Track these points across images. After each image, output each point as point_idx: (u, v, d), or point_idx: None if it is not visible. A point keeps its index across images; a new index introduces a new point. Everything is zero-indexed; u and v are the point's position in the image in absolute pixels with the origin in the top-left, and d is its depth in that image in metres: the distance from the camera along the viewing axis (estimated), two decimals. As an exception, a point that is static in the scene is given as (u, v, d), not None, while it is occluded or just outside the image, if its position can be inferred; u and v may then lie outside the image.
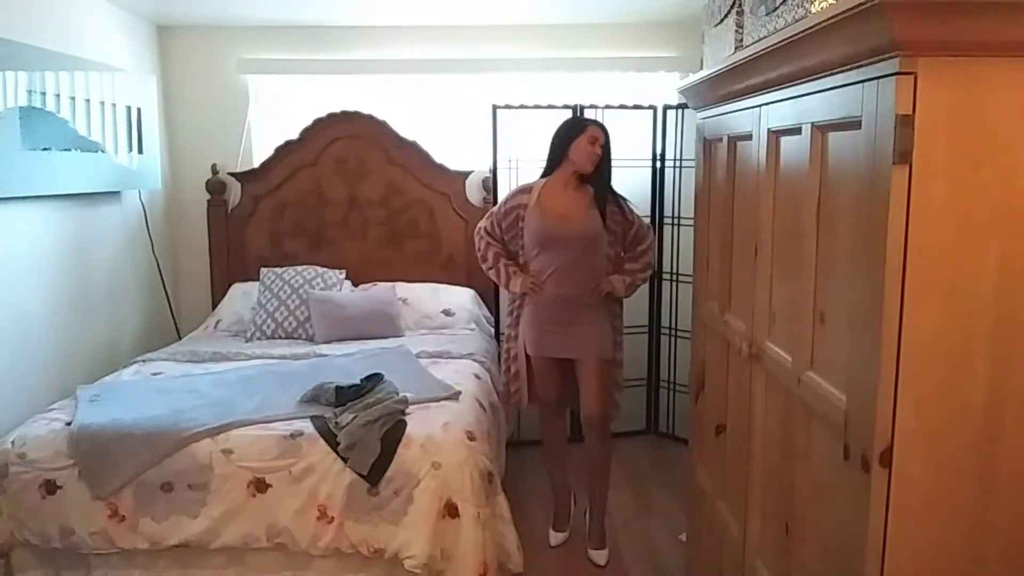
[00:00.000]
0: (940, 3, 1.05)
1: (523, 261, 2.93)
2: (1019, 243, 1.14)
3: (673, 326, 4.03)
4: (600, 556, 2.91)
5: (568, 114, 3.83)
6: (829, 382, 1.37)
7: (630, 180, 3.90)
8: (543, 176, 2.91)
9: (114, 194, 3.69)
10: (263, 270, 3.97)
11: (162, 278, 4.09)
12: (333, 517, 2.41)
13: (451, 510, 2.40)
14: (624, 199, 2.92)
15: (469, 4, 3.72)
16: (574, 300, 2.83)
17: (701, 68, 2.13)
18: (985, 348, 1.16)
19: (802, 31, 1.30)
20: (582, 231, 2.80)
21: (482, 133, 4.01)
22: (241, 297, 4.02)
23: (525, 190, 2.93)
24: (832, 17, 1.17)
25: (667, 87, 4.03)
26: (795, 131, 1.50)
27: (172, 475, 2.42)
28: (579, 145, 2.77)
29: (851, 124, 1.25)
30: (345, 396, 2.63)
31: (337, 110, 4.12)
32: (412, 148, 4.16)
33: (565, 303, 2.83)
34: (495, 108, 3.80)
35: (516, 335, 3.00)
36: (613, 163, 2.85)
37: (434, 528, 2.37)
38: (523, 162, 3.77)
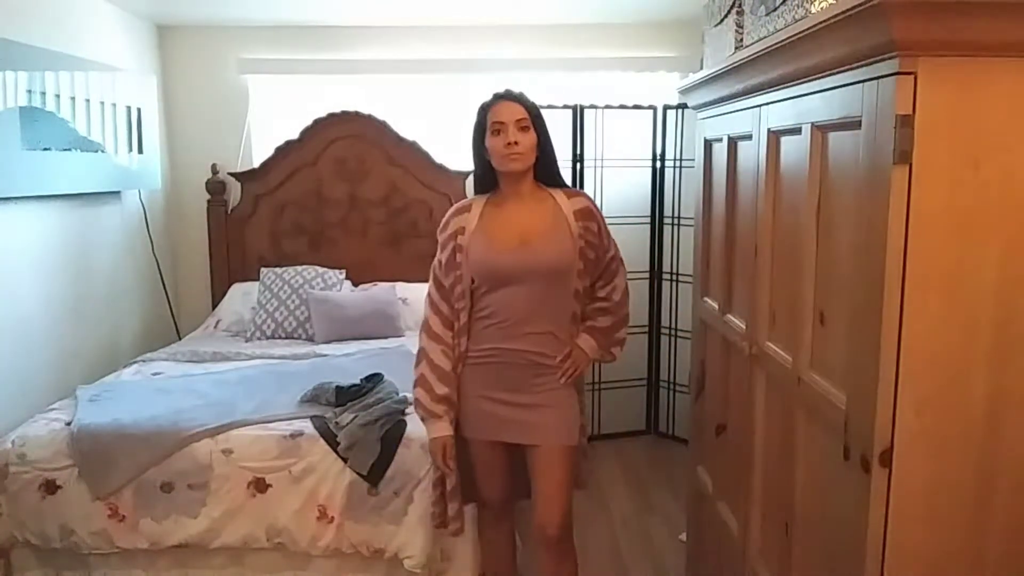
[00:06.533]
0: (940, 3, 1.05)
1: (463, 317, 2.06)
2: (1019, 243, 1.14)
3: (673, 326, 4.02)
4: None
5: (569, 114, 3.84)
6: (829, 382, 1.37)
7: (630, 180, 3.92)
8: (478, 193, 2.15)
9: (114, 194, 3.69)
10: (263, 270, 3.97)
11: (162, 278, 4.09)
12: (333, 517, 2.41)
13: (451, 510, 2.40)
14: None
15: (469, 4, 3.72)
16: (532, 359, 2.03)
17: (701, 68, 2.13)
18: (985, 348, 1.16)
19: (802, 31, 1.30)
20: (551, 258, 1.99)
21: (482, 133, 4.01)
22: (241, 297, 4.02)
23: (463, 208, 2.13)
24: (832, 17, 1.17)
25: (667, 87, 4.03)
26: (795, 131, 1.50)
27: (172, 475, 2.42)
28: (490, 144, 2.01)
29: (851, 124, 1.25)
30: (345, 396, 2.63)
31: (337, 110, 4.12)
32: (412, 148, 4.16)
33: (519, 363, 2.03)
34: (495, 108, 3.80)
35: (443, 414, 2.07)
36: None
37: (434, 528, 2.37)
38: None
